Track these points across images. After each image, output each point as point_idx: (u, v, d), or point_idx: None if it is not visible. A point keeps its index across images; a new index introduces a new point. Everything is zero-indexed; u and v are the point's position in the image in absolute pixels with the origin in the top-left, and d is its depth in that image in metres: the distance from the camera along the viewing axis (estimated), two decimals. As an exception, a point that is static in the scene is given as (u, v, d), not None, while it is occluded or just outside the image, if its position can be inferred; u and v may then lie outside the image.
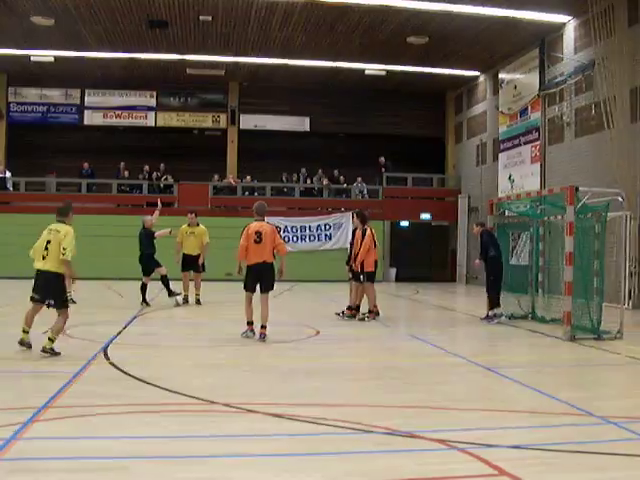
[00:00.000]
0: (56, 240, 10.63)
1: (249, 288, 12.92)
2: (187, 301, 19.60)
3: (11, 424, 6.48)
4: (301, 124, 36.05)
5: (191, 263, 19.47)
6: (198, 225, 19.72)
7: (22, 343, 10.83)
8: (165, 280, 19.00)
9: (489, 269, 16.08)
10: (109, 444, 6.08)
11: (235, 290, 20.29)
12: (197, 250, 19.49)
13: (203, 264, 19.56)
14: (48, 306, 10.68)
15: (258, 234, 12.73)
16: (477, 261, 16.14)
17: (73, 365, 9.64)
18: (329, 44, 28.56)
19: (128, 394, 8.10)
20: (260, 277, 12.80)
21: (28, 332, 10.91)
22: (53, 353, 10.44)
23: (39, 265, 10.70)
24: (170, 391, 8.14)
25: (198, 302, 19.56)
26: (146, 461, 5.66)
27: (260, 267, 12.75)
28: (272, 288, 12.98)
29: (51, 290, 10.67)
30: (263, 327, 12.69)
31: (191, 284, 19.67)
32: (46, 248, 10.64)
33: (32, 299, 10.80)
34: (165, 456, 5.80)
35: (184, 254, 19.52)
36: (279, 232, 30.97)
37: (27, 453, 5.78)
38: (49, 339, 10.51)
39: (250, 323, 12.98)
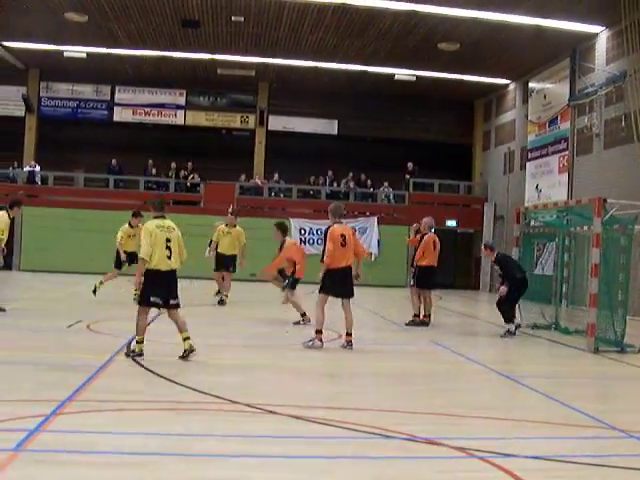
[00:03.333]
0: (175, 237, 10.47)
1: (331, 292, 12.34)
2: (223, 302, 19.51)
3: (34, 416, 6.54)
4: (329, 127, 36.07)
5: (226, 263, 19.51)
6: (235, 226, 19.76)
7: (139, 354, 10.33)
8: None
9: (514, 288, 15.69)
10: (130, 440, 6.13)
11: (260, 290, 20.39)
12: (233, 250, 19.50)
13: (235, 265, 19.64)
14: (165, 306, 10.53)
15: (343, 237, 12.27)
16: (503, 287, 15.46)
17: (97, 360, 9.71)
18: (359, 48, 28.56)
19: (150, 391, 8.18)
20: (346, 282, 12.39)
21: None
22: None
23: (165, 266, 10.33)
24: (192, 389, 8.18)
25: (221, 302, 19.54)
26: (166, 458, 5.70)
27: (346, 271, 12.36)
28: (353, 294, 12.58)
29: (175, 289, 10.51)
30: (349, 334, 12.31)
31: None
32: (168, 247, 10.32)
33: (154, 304, 10.54)
34: (185, 454, 5.82)
35: (219, 253, 19.53)
36: (304, 234, 31.11)
37: (50, 445, 5.83)
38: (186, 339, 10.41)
39: (320, 332, 12.23)
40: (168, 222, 10.52)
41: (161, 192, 33.14)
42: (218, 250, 19.52)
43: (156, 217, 10.57)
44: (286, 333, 14.14)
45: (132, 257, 18.13)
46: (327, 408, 7.55)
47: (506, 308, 15.36)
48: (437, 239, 16.62)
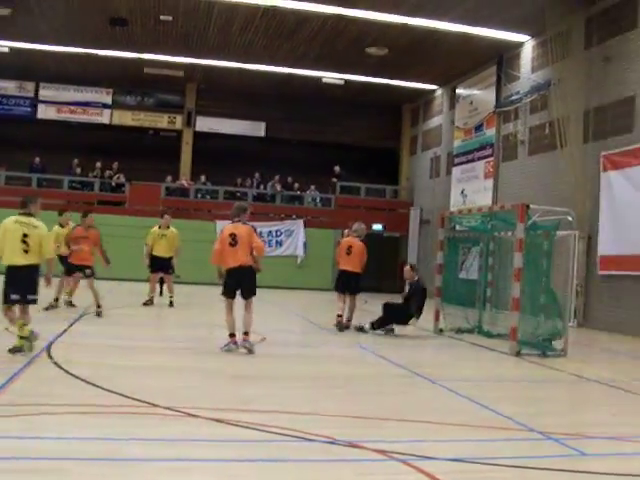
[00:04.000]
0: (36, 235, 10.67)
1: (228, 294, 12.20)
2: (152, 302, 19.43)
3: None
4: (257, 129, 36.00)
5: (162, 266, 19.42)
6: (168, 227, 19.61)
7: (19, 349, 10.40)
8: None
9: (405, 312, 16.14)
10: (49, 444, 5.99)
11: (187, 293, 20.21)
12: (169, 253, 19.41)
13: (173, 267, 19.59)
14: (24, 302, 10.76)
15: (233, 236, 12.01)
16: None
17: (15, 363, 9.48)
18: (288, 50, 28.57)
19: (70, 394, 7.99)
20: (239, 282, 12.15)
21: None
22: None
23: (22, 260, 10.57)
24: (113, 392, 8.04)
25: (171, 304, 19.44)
26: (86, 463, 5.59)
27: (238, 271, 12.06)
28: (254, 293, 12.24)
29: (33, 285, 10.81)
30: (246, 333, 11.99)
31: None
32: (24, 242, 10.56)
33: (14, 301, 10.73)
34: (105, 458, 5.72)
35: (154, 256, 19.41)
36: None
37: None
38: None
39: (233, 335, 12.07)
40: (32, 220, 10.67)
41: (86, 192, 32.76)
42: (154, 253, 19.34)
43: (20, 213, 10.73)
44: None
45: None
46: (248, 411, 7.49)
47: (387, 317, 15.97)
48: (355, 243, 16.65)
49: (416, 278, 16.27)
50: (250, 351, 11.88)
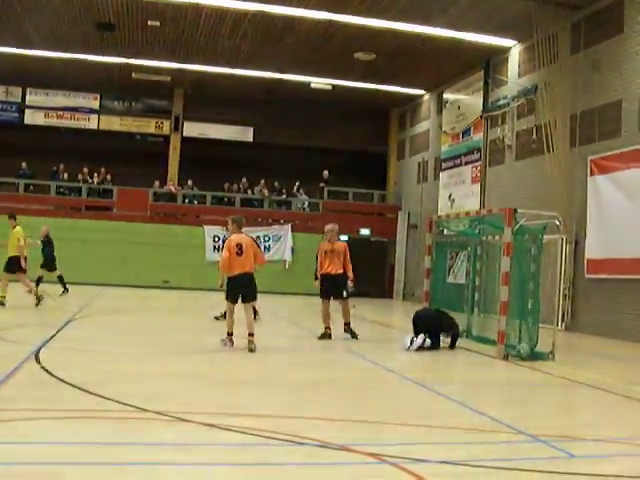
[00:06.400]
0: None
1: (232, 299, 13.13)
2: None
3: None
4: (245, 134, 36.04)
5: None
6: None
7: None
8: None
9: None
10: (41, 449, 5.99)
11: (176, 297, 20.18)
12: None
13: None
14: None
15: (239, 246, 12.99)
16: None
17: (3, 368, 9.44)
18: (276, 55, 28.60)
19: (59, 399, 7.97)
20: (243, 288, 13.09)
21: None
22: None
23: None
24: (102, 397, 8.01)
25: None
26: (79, 467, 5.58)
27: (242, 278, 13.01)
28: (255, 298, 13.42)
29: None
30: (251, 335, 12.88)
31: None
32: None
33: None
34: (97, 462, 5.71)
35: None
36: (218, 242, 30.97)
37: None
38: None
39: (230, 334, 13.11)
40: None
41: (73, 197, 32.71)
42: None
43: None
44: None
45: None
46: (239, 415, 7.49)
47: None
48: (327, 247, 15.92)
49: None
50: (252, 350, 12.67)
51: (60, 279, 23.53)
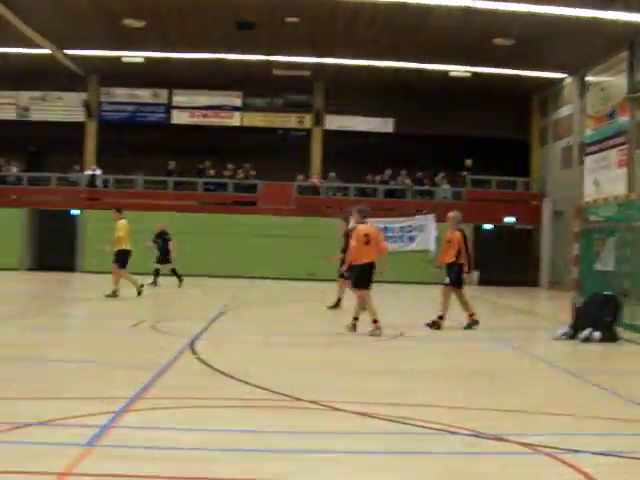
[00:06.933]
0: None
1: (366, 286, 13.59)
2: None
3: (104, 413, 6.69)
4: (386, 125, 36.05)
5: None
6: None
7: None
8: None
9: None
10: (200, 436, 6.23)
11: (321, 289, 20.41)
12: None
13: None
14: None
15: (367, 236, 13.45)
16: None
17: (162, 358, 9.86)
18: (414, 45, 28.47)
19: (216, 388, 8.29)
20: (370, 275, 13.59)
21: None
22: None
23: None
24: (257, 387, 8.26)
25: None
26: (236, 454, 5.77)
27: (369, 266, 13.50)
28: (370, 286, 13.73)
29: None
30: (375, 321, 13.32)
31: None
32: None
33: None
34: (253, 449, 5.89)
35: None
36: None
37: (121, 441, 5.94)
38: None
39: (377, 321, 13.36)
40: None
41: (220, 193, 33.54)
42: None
43: None
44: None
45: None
46: (390, 405, 7.56)
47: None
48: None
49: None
50: (377, 335, 13.11)
51: (173, 271, 24.55)
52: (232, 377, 8.81)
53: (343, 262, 16.07)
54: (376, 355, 11.70)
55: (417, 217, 32.40)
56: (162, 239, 24.78)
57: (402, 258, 29.88)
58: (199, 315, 16.07)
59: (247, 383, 8.47)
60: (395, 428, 6.68)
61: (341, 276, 17.00)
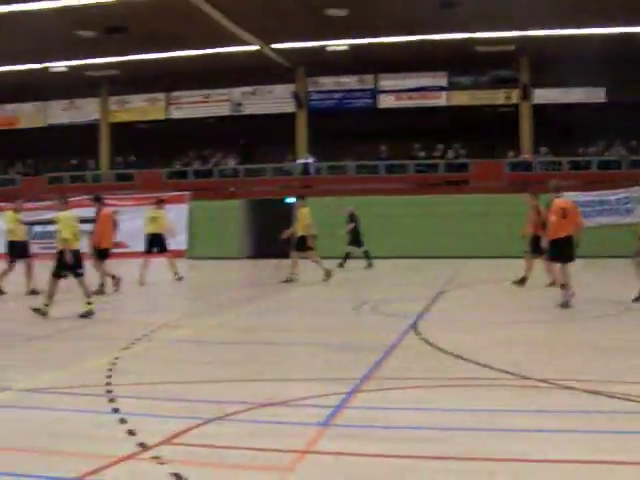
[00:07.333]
0: None
1: (564, 260, 13.61)
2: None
3: (335, 393, 6.98)
4: (596, 95, 34.76)
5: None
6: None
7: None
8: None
9: None
10: (430, 416, 6.38)
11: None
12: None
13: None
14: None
15: (564, 210, 13.46)
16: None
17: (385, 340, 10.11)
18: (621, 6, 27.02)
19: (443, 368, 8.40)
20: (569, 249, 13.57)
21: None
22: None
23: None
24: (482, 365, 8.32)
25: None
26: (467, 433, 5.86)
27: (567, 240, 13.47)
28: (573, 259, 13.69)
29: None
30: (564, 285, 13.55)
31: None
32: None
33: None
34: (485, 429, 5.97)
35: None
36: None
37: (353, 421, 6.20)
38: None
39: (566, 285, 13.52)
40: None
41: (431, 174, 33.60)
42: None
43: None
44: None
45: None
46: (625, 383, 7.31)
47: None
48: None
49: None
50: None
51: (366, 254, 24.80)
52: (458, 356, 8.89)
53: (535, 237, 16.27)
54: (596, 330, 11.41)
55: (635, 188, 30.92)
56: (353, 221, 25.17)
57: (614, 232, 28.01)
58: (418, 296, 16.25)
59: (473, 362, 8.53)
60: (628, 407, 6.49)
61: (534, 251, 16.68)
